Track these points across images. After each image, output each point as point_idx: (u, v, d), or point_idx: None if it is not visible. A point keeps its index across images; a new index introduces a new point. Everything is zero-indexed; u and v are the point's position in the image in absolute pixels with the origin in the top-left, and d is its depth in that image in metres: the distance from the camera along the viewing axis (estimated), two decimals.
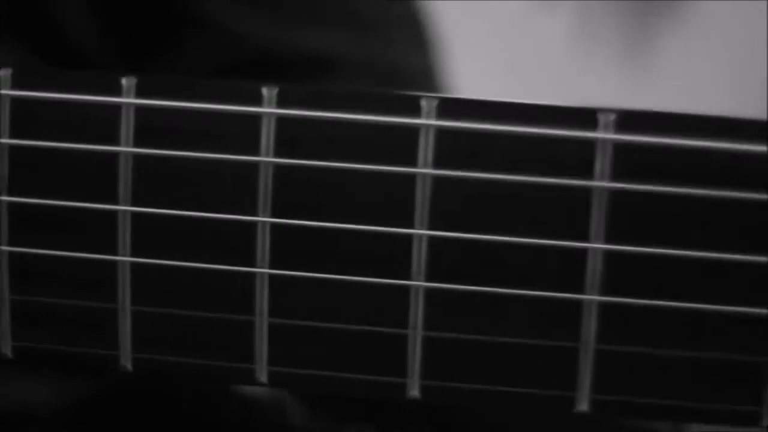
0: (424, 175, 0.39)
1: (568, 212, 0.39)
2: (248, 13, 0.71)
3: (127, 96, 0.40)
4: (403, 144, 0.39)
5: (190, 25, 0.70)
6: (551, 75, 1.86)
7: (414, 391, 0.40)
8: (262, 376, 0.41)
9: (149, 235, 0.40)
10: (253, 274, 0.40)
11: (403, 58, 0.76)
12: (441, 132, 0.39)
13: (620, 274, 0.39)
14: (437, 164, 0.39)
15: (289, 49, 0.72)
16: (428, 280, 0.40)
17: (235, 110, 0.40)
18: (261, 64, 0.71)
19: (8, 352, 0.41)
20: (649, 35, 1.94)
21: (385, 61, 0.75)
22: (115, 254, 0.40)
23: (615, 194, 0.39)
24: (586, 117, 0.39)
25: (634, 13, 1.93)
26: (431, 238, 0.39)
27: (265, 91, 0.40)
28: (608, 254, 0.39)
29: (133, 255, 0.40)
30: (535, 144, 0.39)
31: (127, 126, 0.40)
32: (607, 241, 0.39)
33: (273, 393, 0.68)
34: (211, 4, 0.70)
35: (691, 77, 1.91)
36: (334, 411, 0.67)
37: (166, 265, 0.40)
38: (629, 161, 0.39)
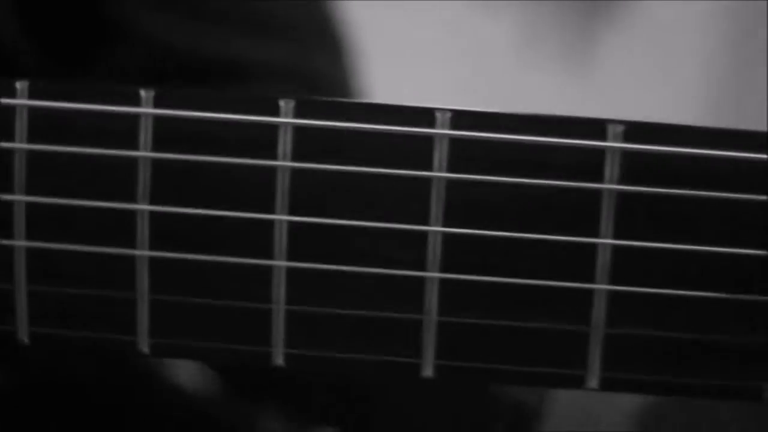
0: (283, 167, 0.44)
1: (410, 199, 0.44)
2: (173, 23, 0.76)
3: (21, 98, 0.45)
4: (266, 140, 0.44)
5: (118, 35, 0.74)
6: (495, 77, 1.91)
7: (279, 360, 0.45)
8: (145, 347, 0.46)
9: (43, 222, 0.45)
10: (134, 256, 0.45)
11: (323, 65, 0.81)
12: (299, 129, 0.44)
13: (457, 254, 0.44)
14: (296, 158, 0.44)
15: (213, 57, 0.76)
16: (289, 260, 0.45)
17: (116, 110, 0.45)
18: (186, 71, 0.76)
19: None
20: (592, 36, 1.99)
21: (306, 68, 0.80)
22: (12, 239, 0.45)
23: (451, 183, 0.44)
24: (425, 116, 0.44)
25: (576, 14, 1.99)
26: (291, 223, 0.45)
27: (143, 93, 0.45)
28: (446, 236, 0.44)
29: (28, 240, 0.45)
30: (380, 139, 0.44)
31: (21, 125, 0.45)
32: (446, 225, 0.44)
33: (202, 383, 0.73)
34: (137, 14, 0.75)
35: (632, 76, 1.96)
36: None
37: (59, 249, 0.45)
38: (465, 155, 0.44)
